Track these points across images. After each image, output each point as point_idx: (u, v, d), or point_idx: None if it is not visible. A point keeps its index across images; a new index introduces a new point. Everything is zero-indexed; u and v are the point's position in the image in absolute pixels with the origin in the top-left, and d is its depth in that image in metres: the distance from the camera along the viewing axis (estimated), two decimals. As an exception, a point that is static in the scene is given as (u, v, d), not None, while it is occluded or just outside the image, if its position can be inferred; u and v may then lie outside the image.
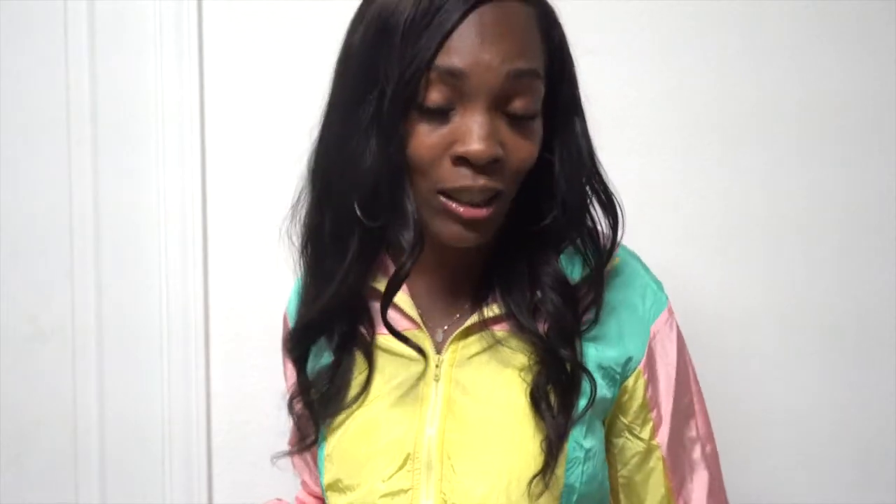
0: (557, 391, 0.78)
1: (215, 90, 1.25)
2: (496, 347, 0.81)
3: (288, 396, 0.91)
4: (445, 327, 0.84)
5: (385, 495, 0.79)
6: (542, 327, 0.80)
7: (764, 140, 1.27)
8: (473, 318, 0.81)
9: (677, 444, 0.85)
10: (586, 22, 1.25)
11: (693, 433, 0.86)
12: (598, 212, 0.83)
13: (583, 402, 0.79)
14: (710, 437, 0.88)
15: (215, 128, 1.26)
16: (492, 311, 0.81)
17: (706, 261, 1.27)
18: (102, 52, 1.24)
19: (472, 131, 0.71)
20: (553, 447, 0.77)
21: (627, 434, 0.85)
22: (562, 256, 0.82)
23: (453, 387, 0.80)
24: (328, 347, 0.86)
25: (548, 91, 0.76)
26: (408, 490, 0.79)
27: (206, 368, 1.25)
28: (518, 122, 0.74)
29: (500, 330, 0.81)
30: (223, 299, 1.27)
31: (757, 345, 1.28)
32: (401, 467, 0.79)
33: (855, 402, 1.29)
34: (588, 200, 0.81)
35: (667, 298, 0.86)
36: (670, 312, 0.86)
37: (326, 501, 0.86)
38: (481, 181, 0.72)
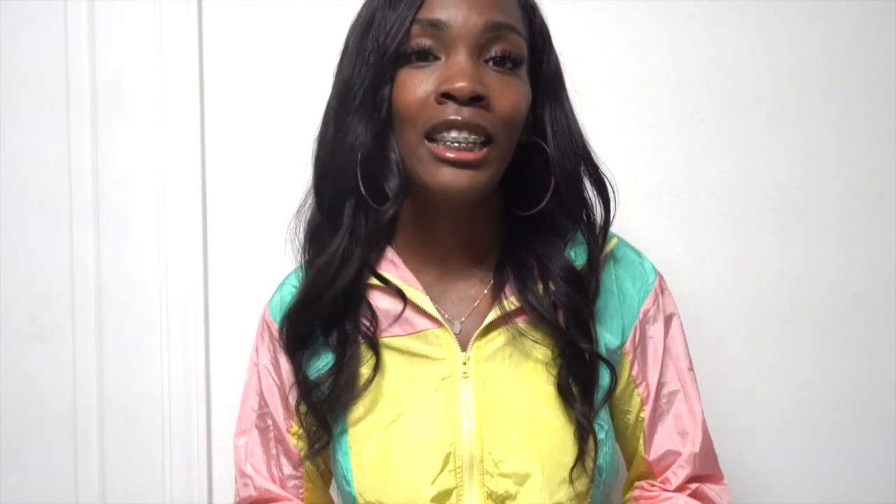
0: (579, 381, 0.82)
1: (215, 90, 1.26)
2: (518, 340, 0.83)
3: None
4: (463, 319, 0.85)
5: (434, 498, 0.79)
6: (559, 317, 0.83)
7: (761, 122, 1.27)
8: (495, 313, 0.83)
9: (659, 414, 0.89)
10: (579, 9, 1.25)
11: (679, 406, 0.89)
12: (591, 193, 0.86)
13: (602, 389, 0.83)
14: (696, 414, 0.90)
15: (215, 127, 1.26)
16: (511, 304, 0.83)
17: (706, 249, 1.27)
18: (102, 52, 1.24)
19: (456, 71, 0.76)
20: (585, 434, 0.80)
21: (617, 409, 0.89)
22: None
23: (482, 382, 0.82)
24: (327, 348, 0.85)
25: (533, 69, 0.82)
26: (453, 489, 0.80)
27: (206, 368, 1.25)
28: (502, 71, 0.78)
29: (521, 322, 0.83)
30: (223, 298, 1.26)
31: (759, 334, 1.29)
32: (443, 468, 0.80)
33: (855, 400, 1.29)
34: (582, 182, 0.85)
35: (655, 278, 0.89)
36: (659, 291, 0.89)
37: None
38: (466, 113, 0.75)
